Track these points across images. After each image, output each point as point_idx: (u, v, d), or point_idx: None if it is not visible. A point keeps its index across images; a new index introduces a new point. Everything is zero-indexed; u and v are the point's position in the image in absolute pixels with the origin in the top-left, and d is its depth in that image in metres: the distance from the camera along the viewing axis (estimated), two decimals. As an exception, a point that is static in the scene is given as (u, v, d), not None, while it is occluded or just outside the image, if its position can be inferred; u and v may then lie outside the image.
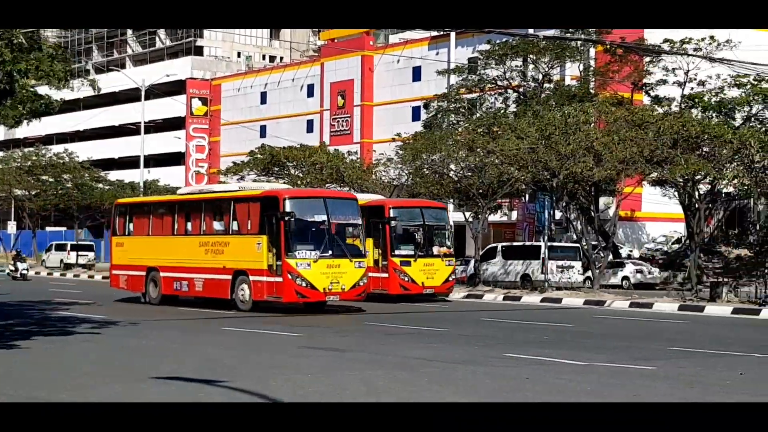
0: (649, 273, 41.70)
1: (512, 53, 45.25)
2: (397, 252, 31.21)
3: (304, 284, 25.20)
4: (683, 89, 42.49)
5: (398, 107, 64.67)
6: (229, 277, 26.73)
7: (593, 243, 39.85)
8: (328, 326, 22.50)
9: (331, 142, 62.22)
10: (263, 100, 75.70)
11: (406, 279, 30.87)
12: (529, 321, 24.09)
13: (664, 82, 43.56)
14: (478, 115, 46.37)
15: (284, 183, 41.06)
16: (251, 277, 26.04)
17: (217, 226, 28.02)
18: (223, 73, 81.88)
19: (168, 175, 75.96)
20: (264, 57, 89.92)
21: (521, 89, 46.82)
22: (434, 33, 61.88)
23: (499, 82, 46.58)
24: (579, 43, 44.05)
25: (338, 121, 69.04)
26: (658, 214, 52.11)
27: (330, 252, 25.73)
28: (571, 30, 43.81)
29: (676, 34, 40.45)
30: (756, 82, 39.35)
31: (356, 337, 19.94)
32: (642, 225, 56.59)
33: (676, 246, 50.72)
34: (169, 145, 79.29)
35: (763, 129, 34.05)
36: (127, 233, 31.65)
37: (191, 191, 31.85)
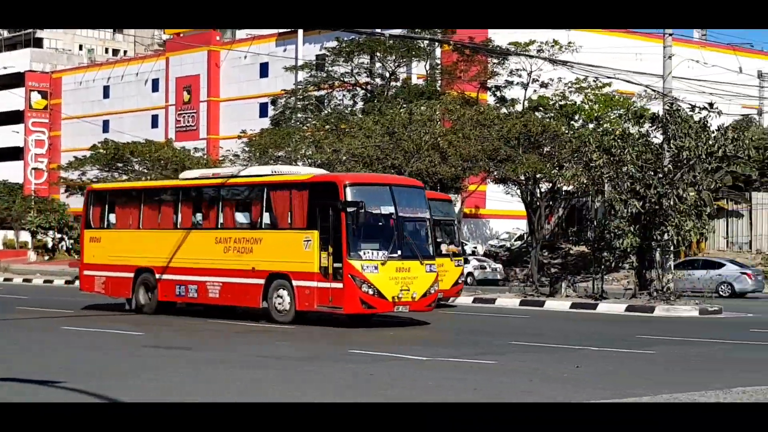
0: (493, 269, 42.54)
1: (359, 51, 45.50)
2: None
3: (371, 291, 20.51)
4: (526, 90, 43.53)
5: (245, 103, 64.19)
6: (261, 281, 22.03)
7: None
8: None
9: (177, 138, 61.34)
10: (106, 95, 74.04)
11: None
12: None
13: (510, 83, 44.55)
14: (325, 112, 46.42)
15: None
16: (295, 282, 21.31)
17: (241, 218, 23.24)
18: (64, 66, 79.69)
19: (5, 171, 73.42)
20: (107, 50, 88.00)
21: (369, 87, 47.11)
22: (282, 30, 61.63)
23: (346, 80, 46.74)
24: (425, 42, 44.59)
25: (184, 117, 68.03)
26: (502, 212, 53.28)
27: (399, 252, 21.01)
28: (417, 30, 44.35)
29: (522, 36, 41.42)
30: (594, 88, 40.61)
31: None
32: (486, 222, 57.77)
33: (518, 243, 51.92)
34: (6, 139, 76.64)
35: (601, 129, 35.19)
36: (105, 226, 26.12)
37: (201, 175, 25.73)
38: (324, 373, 13.86)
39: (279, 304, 21.81)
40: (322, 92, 48.97)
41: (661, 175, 27.29)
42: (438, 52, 49.24)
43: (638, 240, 27.37)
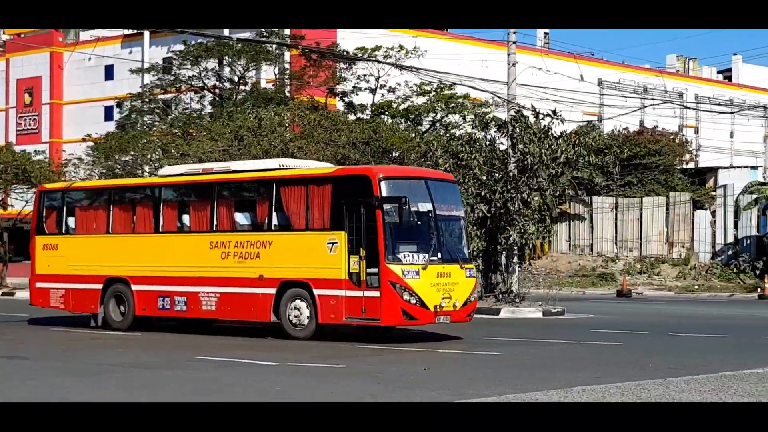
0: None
1: (207, 54, 44.99)
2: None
3: (413, 300, 18.18)
4: (374, 96, 43.82)
5: (90, 106, 62.58)
6: (271, 290, 19.52)
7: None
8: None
9: (17, 142, 59.35)
10: (-58, 96, 71.03)
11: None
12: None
13: (358, 88, 44.77)
14: (173, 115, 45.72)
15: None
16: (317, 291, 18.86)
17: (242, 219, 20.59)
18: None
19: None
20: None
21: (217, 90, 46.63)
22: (127, 31, 60.41)
23: (194, 83, 46.15)
24: (274, 46, 44.41)
25: (25, 120, 65.90)
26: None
27: (439, 255, 18.82)
28: (266, 34, 44.11)
29: (369, 42, 41.66)
30: (439, 90, 41.24)
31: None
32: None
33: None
34: None
35: (447, 134, 35.71)
36: (63, 231, 23.21)
37: (188, 171, 22.44)
38: (158, 378, 13.59)
39: (295, 317, 19.24)
40: (170, 96, 48.23)
41: (506, 180, 27.86)
42: (287, 56, 49.14)
43: (484, 243, 27.87)
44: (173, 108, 47.72)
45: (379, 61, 39.87)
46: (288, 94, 45.37)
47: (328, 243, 18.80)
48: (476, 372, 14.63)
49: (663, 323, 24.86)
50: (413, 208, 18.30)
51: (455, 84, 35.97)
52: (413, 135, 35.59)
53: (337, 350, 17.69)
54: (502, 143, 29.34)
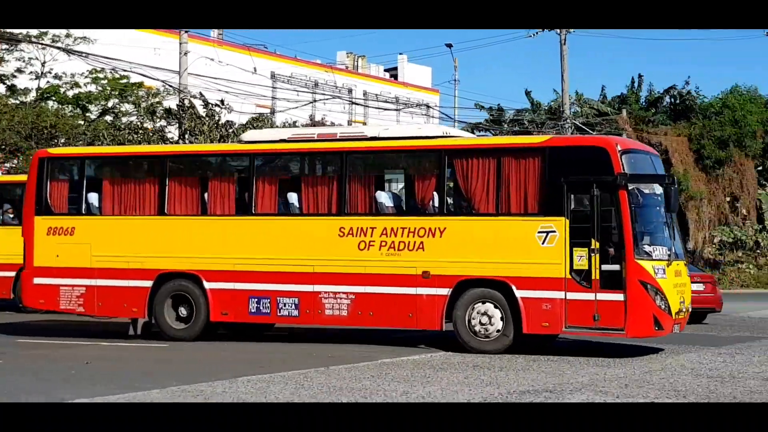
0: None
1: None
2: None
3: (663, 306, 14.95)
4: (40, 80, 42.06)
5: None
6: (443, 291, 15.78)
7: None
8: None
9: None
10: None
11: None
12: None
13: (21, 71, 42.77)
14: None
15: None
16: (521, 293, 15.29)
17: (387, 200, 16.63)
18: None
19: None
20: None
21: None
22: None
23: None
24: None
25: None
26: None
27: (673, 249, 15.67)
28: None
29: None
30: (111, 78, 40.25)
31: None
32: None
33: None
34: None
35: (115, 121, 35.01)
36: (84, 211, 18.19)
37: (294, 137, 17.70)
38: None
39: (482, 325, 15.67)
40: None
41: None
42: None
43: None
44: None
45: (46, 45, 38.30)
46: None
47: (540, 232, 15.28)
48: (144, 365, 14.48)
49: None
50: (651, 190, 15.54)
51: (127, 71, 35.24)
52: (81, 122, 34.50)
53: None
54: (171, 132, 29.13)
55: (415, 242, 15.84)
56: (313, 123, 57.08)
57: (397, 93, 70.91)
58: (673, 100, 51.86)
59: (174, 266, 17.27)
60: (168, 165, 17.73)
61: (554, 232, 15.18)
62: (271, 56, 62.45)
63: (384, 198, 16.54)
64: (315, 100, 56.07)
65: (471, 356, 15.25)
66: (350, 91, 66.83)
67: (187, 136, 27.31)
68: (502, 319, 15.52)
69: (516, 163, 15.61)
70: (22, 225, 18.58)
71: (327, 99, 52.05)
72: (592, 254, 14.97)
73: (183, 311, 17.30)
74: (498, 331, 15.59)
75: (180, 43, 30.35)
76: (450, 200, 16.17)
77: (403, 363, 14.27)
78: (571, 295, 15.07)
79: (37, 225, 18.16)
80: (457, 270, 15.71)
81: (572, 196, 15.20)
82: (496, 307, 15.54)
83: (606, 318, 14.92)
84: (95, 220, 17.97)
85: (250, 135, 18.70)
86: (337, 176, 16.58)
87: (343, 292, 16.27)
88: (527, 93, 56.52)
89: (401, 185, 17.13)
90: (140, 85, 40.81)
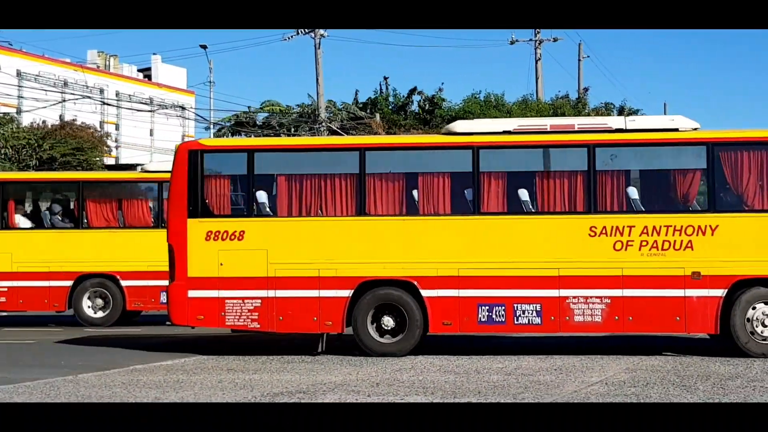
0: None
1: None
2: None
3: None
4: None
5: None
6: (717, 292, 14.88)
7: None
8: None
9: None
10: None
11: None
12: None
13: None
14: None
15: None
16: None
17: (640, 197, 15.42)
18: None
19: None
20: None
21: None
22: None
23: None
24: None
25: None
26: None
27: None
28: None
29: None
30: None
31: None
32: None
33: None
34: None
35: None
36: (256, 212, 15.69)
37: (521, 128, 15.91)
38: None
39: (765, 326, 14.98)
40: None
41: None
42: None
43: None
44: None
45: None
46: None
47: None
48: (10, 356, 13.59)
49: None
50: None
51: None
52: None
53: None
54: None
55: (682, 241, 15.08)
56: (63, 124, 55.25)
57: (152, 94, 69.67)
58: (421, 105, 53.33)
59: (379, 273, 15.52)
60: (365, 158, 15.72)
61: None
62: (17, 53, 60.00)
63: (638, 194, 15.58)
64: (65, 100, 54.25)
65: (225, 359, 15.11)
66: (102, 91, 65.05)
67: None
68: None
69: None
70: (167, 229, 15.88)
71: (77, 99, 50.41)
72: None
73: (389, 322, 15.55)
74: None
75: None
76: (723, 196, 15.45)
77: (155, 369, 14.05)
78: None
79: (191, 229, 15.65)
80: (731, 270, 15.00)
81: None
82: None
83: None
84: (273, 222, 15.78)
85: (462, 125, 16.47)
86: (582, 171, 15.46)
87: (596, 297, 15.19)
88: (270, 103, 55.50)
89: (652, 180, 15.99)
90: None
